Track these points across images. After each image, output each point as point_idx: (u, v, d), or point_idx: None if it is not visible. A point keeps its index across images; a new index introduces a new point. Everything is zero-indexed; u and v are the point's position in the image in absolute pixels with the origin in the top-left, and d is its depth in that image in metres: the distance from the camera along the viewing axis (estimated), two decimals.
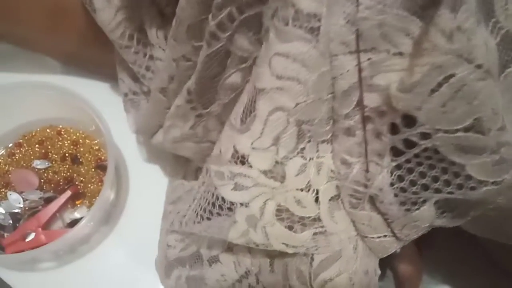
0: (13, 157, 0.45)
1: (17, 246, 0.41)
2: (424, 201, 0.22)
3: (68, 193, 0.44)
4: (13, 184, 0.44)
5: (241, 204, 0.23)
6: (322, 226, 0.24)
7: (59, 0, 0.40)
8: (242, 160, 0.22)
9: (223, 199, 0.23)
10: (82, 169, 0.45)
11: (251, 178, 0.22)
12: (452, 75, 0.17)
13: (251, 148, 0.22)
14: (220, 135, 0.25)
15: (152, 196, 0.45)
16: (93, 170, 0.45)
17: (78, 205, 0.45)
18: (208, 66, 0.25)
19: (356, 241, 0.25)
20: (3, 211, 0.43)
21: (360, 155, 0.21)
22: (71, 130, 0.47)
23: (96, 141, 0.46)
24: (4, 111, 0.44)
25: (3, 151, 0.46)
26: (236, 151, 0.22)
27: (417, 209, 0.22)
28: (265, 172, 0.22)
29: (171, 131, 0.32)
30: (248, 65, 0.25)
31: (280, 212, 0.23)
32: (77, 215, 0.44)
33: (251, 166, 0.22)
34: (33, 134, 0.46)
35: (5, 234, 0.42)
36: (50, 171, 0.45)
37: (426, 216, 0.22)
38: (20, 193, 0.44)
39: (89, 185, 0.45)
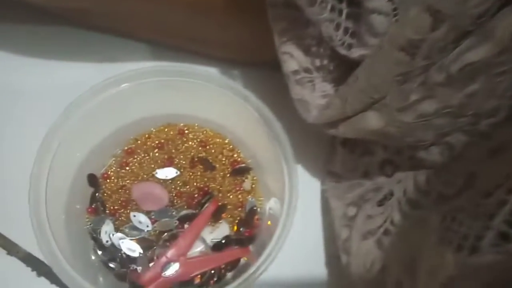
0: (127, 168, 0.35)
1: (161, 284, 0.31)
2: None
3: (210, 209, 0.34)
4: (134, 203, 0.34)
5: None
6: None
7: None
8: None
9: None
10: (217, 175, 0.35)
11: None
12: None
13: None
14: None
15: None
16: (228, 176, 0.36)
17: (221, 222, 0.35)
18: None
19: None
20: (128, 238, 0.33)
21: None
22: (196, 128, 0.37)
23: (227, 140, 0.37)
24: (103, 109, 0.33)
25: (111, 161, 0.36)
26: None
27: None
28: None
29: (420, 106, 0.23)
30: None
31: None
32: (217, 233, 0.35)
33: None
34: (147, 136, 0.36)
35: (138, 268, 0.32)
36: (179, 182, 0.35)
37: None
38: (147, 213, 0.34)
39: (228, 195, 0.35)
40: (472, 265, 0.20)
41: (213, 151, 0.36)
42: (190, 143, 0.36)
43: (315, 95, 0.30)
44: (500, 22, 0.19)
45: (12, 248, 0.34)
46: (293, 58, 0.30)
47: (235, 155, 0.36)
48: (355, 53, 0.27)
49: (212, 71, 0.37)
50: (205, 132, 0.37)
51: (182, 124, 0.37)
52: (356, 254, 0.31)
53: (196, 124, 0.37)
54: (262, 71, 0.39)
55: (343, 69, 0.30)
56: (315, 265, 0.36)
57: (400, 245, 0.29)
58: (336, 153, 0.35)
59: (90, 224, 0.33)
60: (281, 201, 0.31)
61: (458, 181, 0.26)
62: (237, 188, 0.35)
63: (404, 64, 0.23)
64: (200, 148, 0.36)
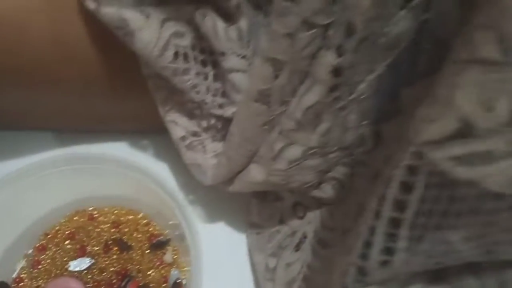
0: (40, 267, 0.34)
1: None
2: None
3: None
4: None
5: None
6: None
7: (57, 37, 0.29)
8: None
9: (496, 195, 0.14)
10: (134, 254, 0.34)
11: None
12: None
13: None
14: (444, 99, 0.15)
15: (227, 259, 0.35)
16: (148, 252, 0.35)
17: None
18: (377, 10, 0.16)
19: None
20: None
21: None
22: (106, 209, 0.36)
23: (140, 215, 0.36)
24: (7, 209, 0.33)
25: (23, 263, 0.34)
26: None
27: None
28: None
29: (286, 153, 0.23)
30: None
31: None
32: None
33: None
34: (57, 229, 0.35)
35: None
36: (95, 270, 0.33)
37: None
38: None
39: (149, 273, 0.34)
40: None
41: (126, 229, 0.35)
42: (102, 226, 0.35)
43: (207, 157, 0.30)
44: (319, 62, 0.20)
45: None
46: (178, 125, 0.30)
47: (151, 229, 0.35)
48: (228, 111, 0.27)
49: (114, 149, 0.37)
50: (116, 212, 0.36)
51: (91, 209, 0.36)
52: None
53: (106, 207, 0.36)
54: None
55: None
56: None
57: None
58: (251, 203, 0.35)
59: None
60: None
61: (351, 213, 0.26)
62: (159, 263, 0.34)
63: (263, 114, 0.24)
64: (113, 230, 0.35)
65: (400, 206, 0.16)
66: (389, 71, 0.20)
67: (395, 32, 0.18)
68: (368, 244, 0.18)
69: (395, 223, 0.17)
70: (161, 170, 0.37)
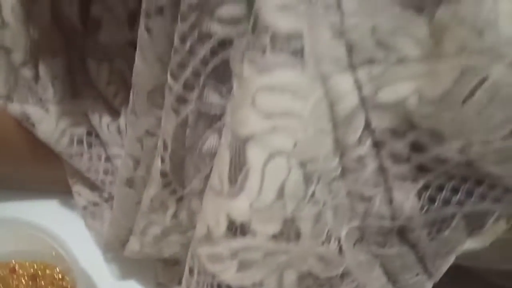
0: None
1: None
2: (453, 218, 0.19)
3: None
4: None
5: (253, 286, 0.19)
6: (353, 280, 0.20)
7: None
8: (243, 229, 0.18)
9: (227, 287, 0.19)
10: None
11: (259, 248, 0.18)
12: (485, 78, 0.15)
13: (251, 211, 0.18)
14: (203, 209, 0.21)
15: None
16: None
17: None
18: (181, 137, 0.22)
19: None
20: None
21: (379, 184, 0.18)
22: (27, 264, 0.40)
23: (57, 269, 0.40)
24: None
25: None
26: (232, 221, 0.19)
27: (447, 227, 0.19)
28: (274, 236, 0.18)
29: (149, 231, 0.28)
30: (224, 122, 0.22)
31: (303, 279, 0.19)
32: None
33: (255, 234, 0.18)
34: None
35: None
36: None
37: (457, 236, 0.19)
38: None
39: None
40: None
41: (43, 282, 0.39)
42: (21, 279, 0.39)
43: (104, 224, 0.35)
44: (154, 164, 0.25)
45: None
46: (81, 195, 0.35)
47: (65, 283, 0.40)
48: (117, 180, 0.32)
49: (40, 211, 0.42)
50: (36, 266, 0.40)
51: (13, 262, 0.40)
52: None
53: (28, 261, 0.40)
54: None
55: None
56: None
57: None
58: (157, 265, 0.40)
59: None
60: None
61: None
62: None
63: (132, 195, 0.29)
64: (30, 283, 0.39)
65: None
66: None
67: (206, 148, 0.23)
68: None
69: None
70: (77, 230, 0.42)
